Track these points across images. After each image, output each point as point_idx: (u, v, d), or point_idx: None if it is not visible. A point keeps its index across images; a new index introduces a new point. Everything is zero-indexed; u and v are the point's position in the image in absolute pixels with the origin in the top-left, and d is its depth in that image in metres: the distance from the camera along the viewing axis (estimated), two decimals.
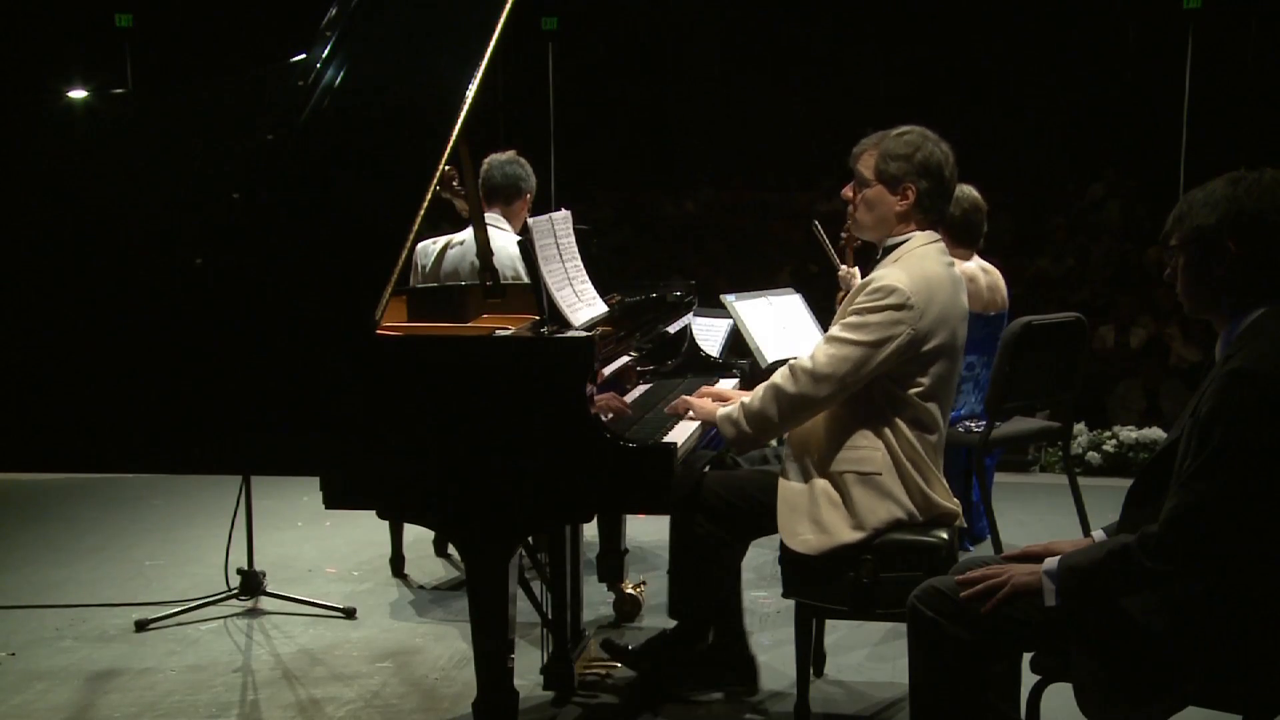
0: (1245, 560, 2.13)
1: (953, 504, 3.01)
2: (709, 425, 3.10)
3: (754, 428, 2.94)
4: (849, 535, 2.89)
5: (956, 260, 4.44)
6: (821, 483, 2.95)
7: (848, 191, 3.10)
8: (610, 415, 2.86)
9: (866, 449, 2.91)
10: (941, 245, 3.04)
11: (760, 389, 2.94)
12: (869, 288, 2.90)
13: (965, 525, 3.03)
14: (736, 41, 14.04)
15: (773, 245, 11.65)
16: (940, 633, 2.37)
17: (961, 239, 4.50)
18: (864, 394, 2.92)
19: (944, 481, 3.03)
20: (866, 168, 3.02)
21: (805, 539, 2.92)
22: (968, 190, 4.48)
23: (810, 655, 3.12)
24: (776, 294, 4.56)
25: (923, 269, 2.92)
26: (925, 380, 2.92)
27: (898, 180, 2.97)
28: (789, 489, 2.98)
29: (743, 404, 2.96)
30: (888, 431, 2.91)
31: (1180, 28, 9.92)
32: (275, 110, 2.81)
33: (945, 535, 2.95)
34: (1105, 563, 2.22)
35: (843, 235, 4.26)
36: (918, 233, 2.99)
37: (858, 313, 2.88)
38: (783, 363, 3.67)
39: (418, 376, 2.59)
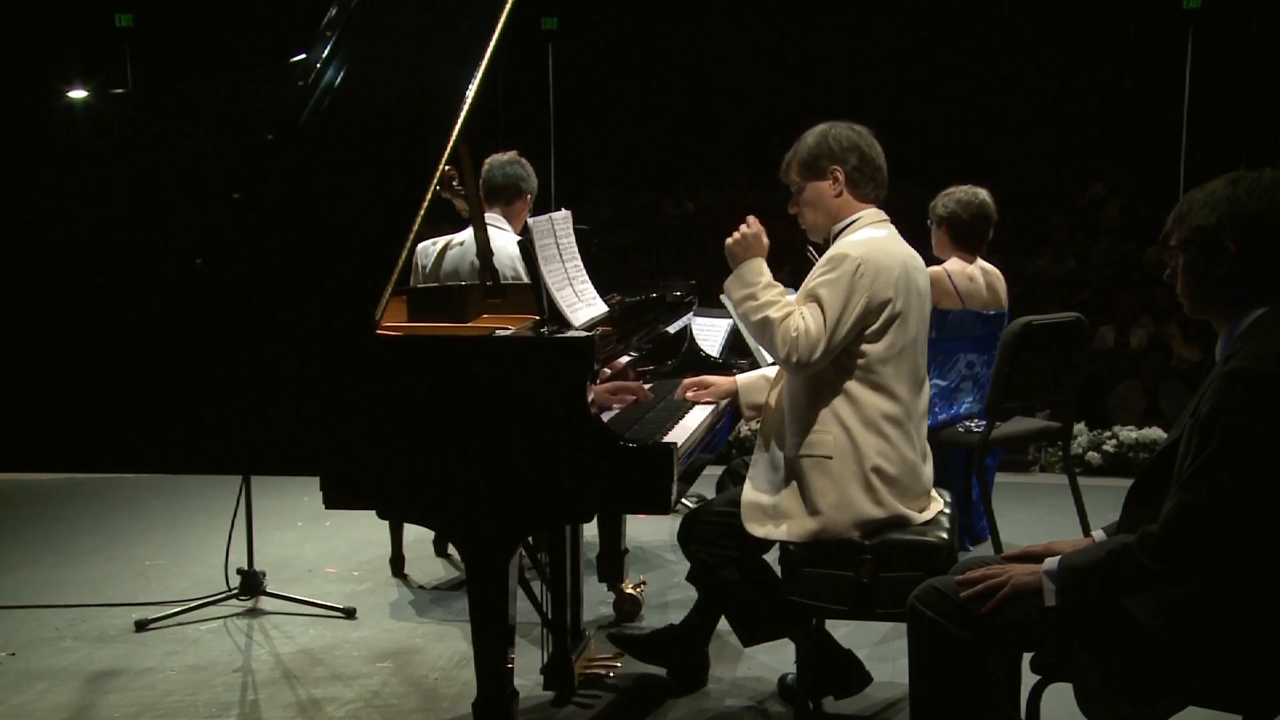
0: (1245, 560, 2.13)
1: (921, 513, 3.00)
2: (709, 426, 3.11)
3: (752, 329, 3.05)
4: (806, 522, 2.92)
5: (959, 261, 4.50)
6: (781, 470, 2.99)
7: (792, 207, 3.20)
8: (624, 402, 2.89)
9: (819, 432, 2.94)
10: (890, 227, 3.08)
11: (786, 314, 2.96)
12: (822, 260, 2.97)
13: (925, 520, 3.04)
14: (736, 41, 14.03)
15: (773, 245, 11.63)
16: (940, 633, 2.36)
17: (964, 241, 4.52)
18: (822, 372, 2.94)
19: (922, 481, 3.03)
20: (793, 175, 3.13)
21: (766, 527, 2.97)
22: (980, 195, 4.50)
23: (811, 657, 3.12)
24: None
25: (871, 238, 3.00)
26: (878, 349, 2.93)
27: (823, 169, 3.08)
28: (753, 478, 3.04)
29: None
30: (843, 414, 2.93)
31: (1180, 28, 9.92)
32: (275, 110, 2.81)
33: (945, 535, 2.95)
34: (1105, 563, 2.22)
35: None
36: (863, 212, 3.07)
37: (817, 287, 2.92)
38: None
39: (418, 376, 2.59)
